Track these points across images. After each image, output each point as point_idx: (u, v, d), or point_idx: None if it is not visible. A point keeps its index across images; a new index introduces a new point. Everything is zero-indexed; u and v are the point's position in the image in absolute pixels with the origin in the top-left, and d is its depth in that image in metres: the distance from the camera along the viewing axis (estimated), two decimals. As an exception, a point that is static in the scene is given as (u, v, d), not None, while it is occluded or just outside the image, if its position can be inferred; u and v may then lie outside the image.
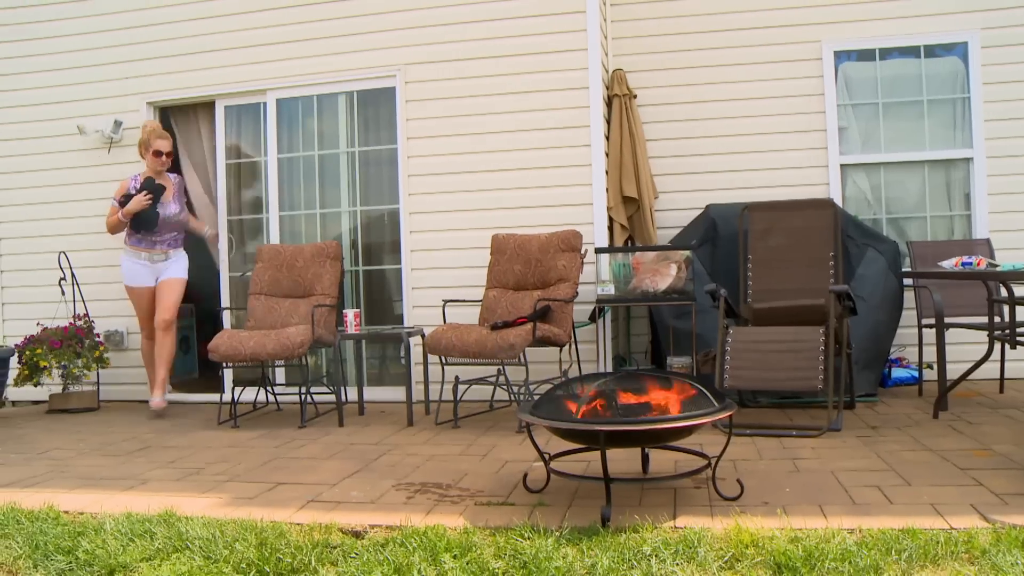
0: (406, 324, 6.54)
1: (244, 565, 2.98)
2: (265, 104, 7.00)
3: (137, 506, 3.66)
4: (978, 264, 4.69)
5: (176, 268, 6.56)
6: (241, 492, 3.97)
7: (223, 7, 6.96)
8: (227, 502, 3.80)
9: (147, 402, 6.46)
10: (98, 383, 6.87)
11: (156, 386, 6.40)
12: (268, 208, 7.00)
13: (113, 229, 6.53)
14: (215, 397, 6.30)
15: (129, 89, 7.14)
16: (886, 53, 6.90)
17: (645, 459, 3.98)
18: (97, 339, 6.82)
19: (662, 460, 4.14)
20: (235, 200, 7.17)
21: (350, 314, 5.96)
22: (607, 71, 6.84)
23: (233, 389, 6.15)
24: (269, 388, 6.40)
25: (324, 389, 6.28)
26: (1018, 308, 5.35)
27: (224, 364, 5.93)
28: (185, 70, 7.04)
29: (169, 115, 7.30)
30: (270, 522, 3.39)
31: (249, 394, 6.38)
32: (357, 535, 3.26)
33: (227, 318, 6.84)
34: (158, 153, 6.41)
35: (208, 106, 7.17)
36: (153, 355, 6.49)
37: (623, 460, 4.03)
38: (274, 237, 6.94)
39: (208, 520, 3.42)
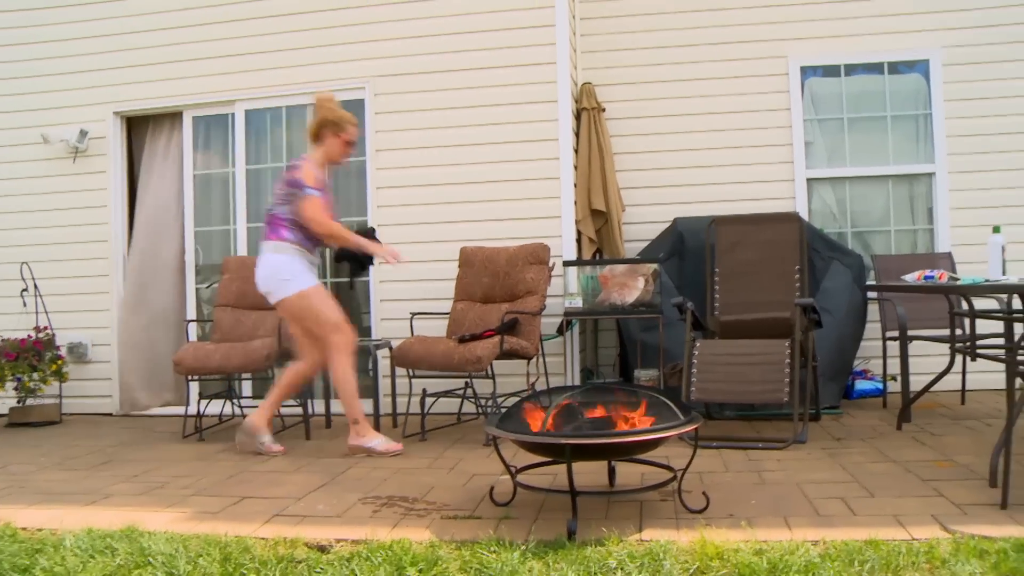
0: (374, 336, 6.52)
1: (207, 581, 2.96)
2: (234, 115, 6.97)
3: (99, 521, 3.61)
4: (940, 278, 4.74)
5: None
6: (205, 506, 3.93)
7: (191, 17, 6.93)
8: (191, 516, 3.76)
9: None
10: (60, 396, 6.78)
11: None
12: (236, 219, 6.96)
13: (331, 234, 5.15)
14: (180, 410, 6.23)
15: (95, 98, 7.08)
16: (851, 69, 6.99)
17: (612, 472, 3.99)
18: (58, 352, 6.74)
19: (629, 473, 4.14)
20: (202, 211, 7.12)
21: (317, 326, 5.92)
22: (576, 84, 6.87)
23: (199, 402, 6.09)
24: (235, 401, 6.35)
25: (291, 402, 6.23)
26: (979, 321, 5.43)
27: (189, 377, 5.87)
28: (152, 80, 6.99)
29: (134, 125, 7.24)
30: (234, 537, 3.36)
31: (215, 407, 6.33)
32: (323, 549, 3.24)
33: (193, 330, 6.78)
34: (350, 144, 5.28)
35: (176, 116, 7.12)
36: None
37: (590, 473, 4.03)
38: (241, 249, 6.90)
39: (171, 535, 3.39)
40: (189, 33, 6.93)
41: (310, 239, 5.12)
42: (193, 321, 6.84)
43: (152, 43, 6.98)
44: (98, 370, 6.94)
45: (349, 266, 5.44)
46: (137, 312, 6.95)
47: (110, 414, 6.85)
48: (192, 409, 6.06)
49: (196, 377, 5.92)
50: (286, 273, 5.01)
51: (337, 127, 5.16)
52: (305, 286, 5.02)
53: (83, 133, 7.01)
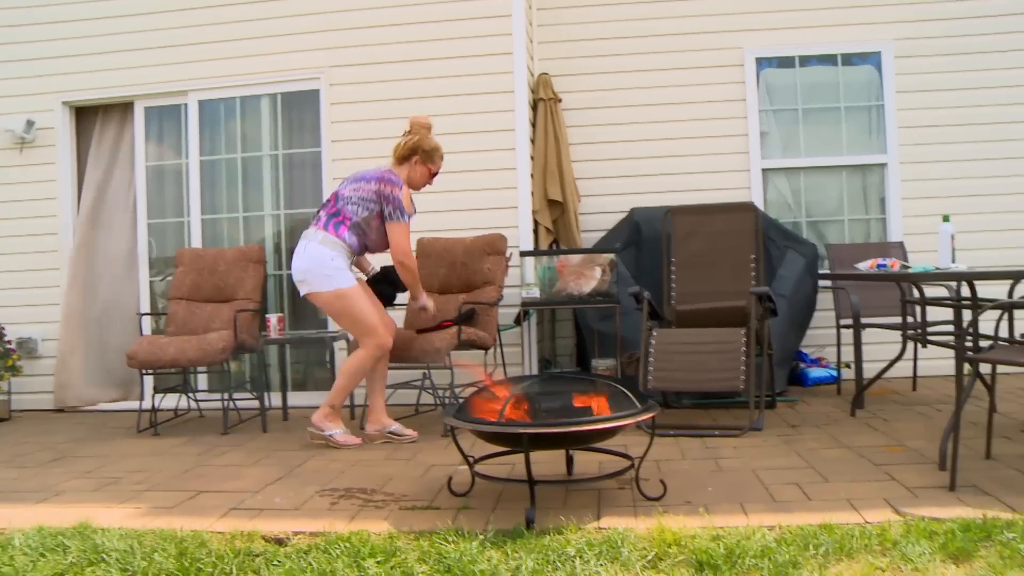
0: (330, 328, 6.48)
1: (162, 576, 2.93)
2: (186, 105, 6.87)
3: (50, 519, 3.55)
4: (892, 266, 4.81)
5: None
6: (161, 501, 3.89)
7: (141, 5, 6.82)
8: (146, 512, 3.72)
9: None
10: (9, 392, 6.65)
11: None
12: (189, 211, 6.88)
13: (406, 266, 5.03)
14: (134, 405, 6.15)
15: (43, 88, 6.94)
16: (805, 60, 7.06)
17: (569, 461, 4.00)
18: (9, 346, 6.62)
19: (587, 462, 4.16)
20: (156, 203, 7.02)
21: (273, 319, 5.89)
22: (533, 75, 6.87)
23: (153, 396, 6.02)
24: (191, 394, 6.28)
25: (247, 395, 6.19)
26: (929, 308, 5.53)
27: (143, 371, 5.80)
28: (103, 69, 6.87)
29: (84, 115, 7.12)
30: (191, 531, 3.32)
31: (170, 401, 6.26)
32: (280, 542, 3.22)
33: (146, 323, 6.68)
34: (434, 176, 5.20)
35: (127, 107, 7.01)
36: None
37: (548, 462, 4.05)
38: (196, 241, 6.82)
39: (126, 531, 3.35)
40: (140, 21, 6.81)
41: (361, 248, 5.06)
42: (147, 314, 6.75)
43: (102, 31, 6.85)
44: (48, 365, 6.82)
45: (375, 288, 5.24)
46: (88, 306, 6.84)
47: (61, 410, 6.74)
48: (147, 403, 5.98)
49: (150, 371, 5.84)
50: (329, 268, 4.87)
51: (428, 157, 5.07)
52: (344, 285, 4.89)
53: (30, 123, 6.87)
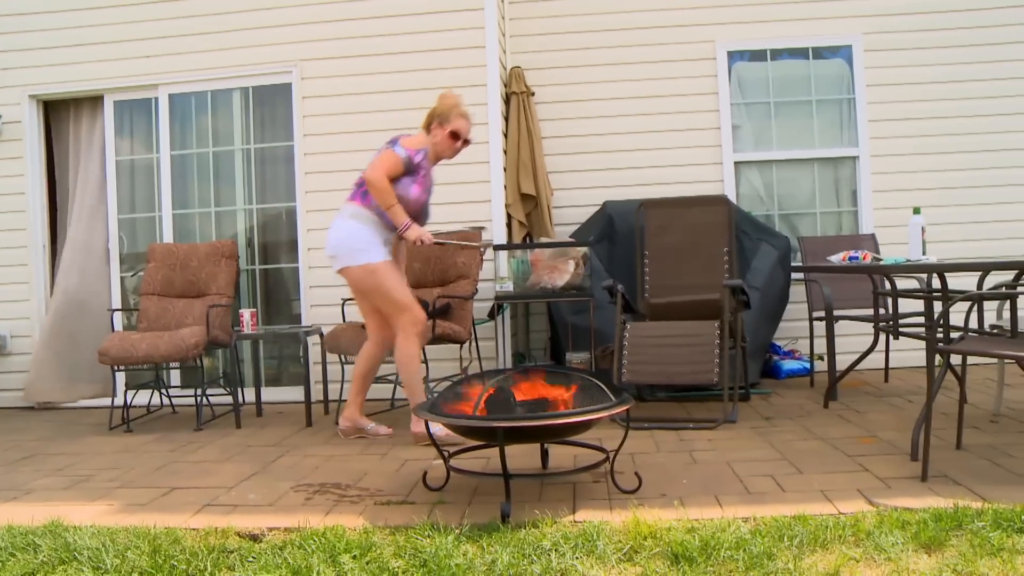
0: (304, 323, 6.45)
1: (136, 574, 2.90)
2: (157, 99, 6.80)
3: (20, 517, 3.51)
4: (864, 258, 4.85)
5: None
6: (134, 498, 3.86)
7: (110, -1, 6.75)
8: (119, 509, 3.69)
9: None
10: (-23, 390, 6.59)
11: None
12: (161, 206, 6.81)
13: (376, 186, 4.68)
14: (106, 402, 6.10)
15: (9, 81, 6.85)
16: (777, 54, 7.10)
17: (544, 454, 4.01)
18: (-24, 343, 6.56)
19: (562, 455, 4.17)
20: (127, 198, 6.95)
21: (246, 314, 5.85)
22: (505, 68, 6.86)
23: (126, 392, 5.97)
24: (163, 391, 6.24)
25: (221, 391, 6.15)
26: (901, 300, 5.57)
27: (115, 367, 5.74)
28: (71, 62, 6.78)
29: (53, 109, 7.04)
30: (164, 528, 3.30)
31: (143, 397, 6.21)
32: (255, 538, 3.20)
33: (118, 319, 6.62)
34: (455, 136, 4.90)
35: (96, 100, 6.93)
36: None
37: (523, 456, 4.05)
38: (167, 236, 6.76)
39: (98, 529, 3.32)
40: (109, 14, 6.73)
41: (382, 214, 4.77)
42: (118, 310, 6.68)
43: (69, 24, 6.77)
44: (18, 362, 6.75)
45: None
46: (58, 302, 6.76)
47: (32, 407, 6.67)
48: (119, 400, 5.93)
49: (122, 367, 5.79)
50: (359, 242, 4.73)
51: (443, 118, 4.86)
52: (374, 260, 4.72)
53: (-3, 117, 6.80)
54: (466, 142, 4.95)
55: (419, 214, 4.90)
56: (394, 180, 4.71)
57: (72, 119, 7.02)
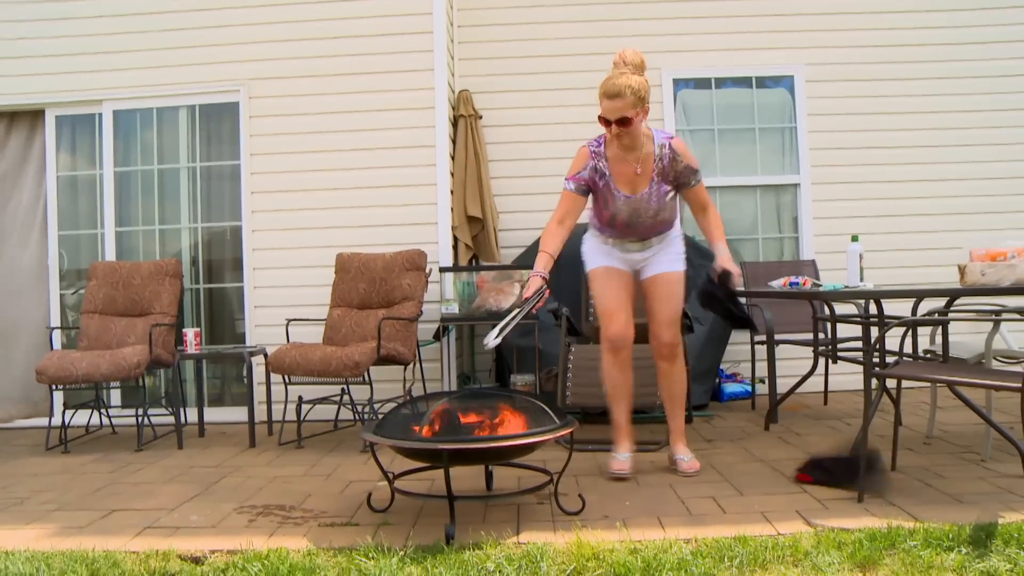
0: (248, 343, 6.40)
1: (74, 597, 2.86)
2: (101, 115, 6.72)
3: (-47, 540, 3.45)
4: (804, 284, 4.95)
5: (667, 260, 4.62)
6: (71, 521, 3.80)
7: (53, 10, 6.64)
8: (55, 532, 3.62)
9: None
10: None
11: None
12: (104, 223, 6.72)
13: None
14: (43, 422, 5.98)
15: (-54, 93, 6.74)
16: (721, 82, 7.24)
17: (489, 476, 4.03)
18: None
19: (506, 477, 4.20)
20: (68, 214, 6.84)
21: (190, 333, 5.80)
22: (454, 91, 6.91)
23: (64, 412, 5.86)
24: (103, 410, 6.14)
25: (163, 411, 6.07)
26: (839, 325, 5.70)
27: (53, 386, 5.64)
28: (11, 75, 6.67)
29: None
30: (103, 551, 3.25)
31: (81, 417, 6.10)
32: (197, 561, 3.18)
33: (57, 338, 6.50)
34: (602, 120, 4.18)
35: (37, 114, 6.82)
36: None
37: (467, 478, 4.07)
38: (110, 254, 6.67)
39: (32, 553, 3.26)
40: (52, 27, 6.64)
41: (602, 220, 4.52)
42: (57, 328, 6.57)
43: (11, 35, 6.66)
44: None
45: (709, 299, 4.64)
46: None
47: (-36, 426, 6.53)
48: (56, 420, 5.82)
49: (61, 386, 5.69)
50: (584, 251, 4.64)
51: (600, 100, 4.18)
52: (588, 267, 4.58)
53: (-71, 130, 6.65)
54: (620, 124, 4.15)
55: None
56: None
57: (8, 132, 6.88)
